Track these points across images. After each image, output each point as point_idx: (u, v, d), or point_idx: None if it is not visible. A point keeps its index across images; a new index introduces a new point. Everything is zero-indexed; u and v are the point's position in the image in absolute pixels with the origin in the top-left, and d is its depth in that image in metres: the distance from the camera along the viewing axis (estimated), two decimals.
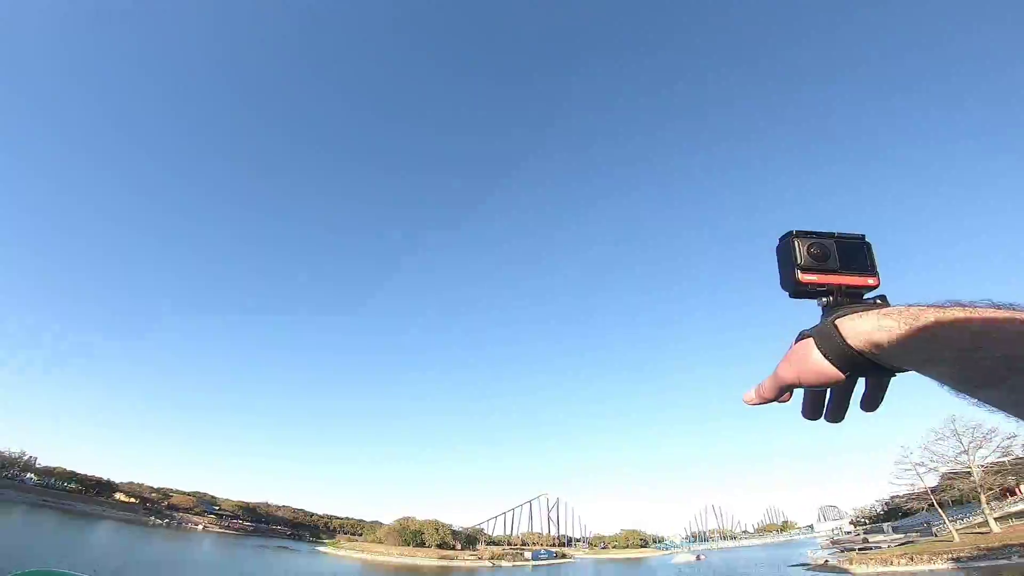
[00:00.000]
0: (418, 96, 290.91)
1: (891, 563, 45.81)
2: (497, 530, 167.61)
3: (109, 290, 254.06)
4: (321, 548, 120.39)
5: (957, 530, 50.94)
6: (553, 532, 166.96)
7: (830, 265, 0.86)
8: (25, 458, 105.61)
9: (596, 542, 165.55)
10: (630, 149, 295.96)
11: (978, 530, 49.83)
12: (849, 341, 0.72)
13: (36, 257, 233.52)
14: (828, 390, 0.85)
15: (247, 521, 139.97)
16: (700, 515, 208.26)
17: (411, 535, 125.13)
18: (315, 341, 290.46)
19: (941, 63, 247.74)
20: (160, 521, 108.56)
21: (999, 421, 45.57)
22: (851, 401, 0.86)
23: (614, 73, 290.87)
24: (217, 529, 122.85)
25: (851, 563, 51.43)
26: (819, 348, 0.76)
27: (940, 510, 55.54)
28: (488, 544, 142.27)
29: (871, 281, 0.86)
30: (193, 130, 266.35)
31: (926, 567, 41.36)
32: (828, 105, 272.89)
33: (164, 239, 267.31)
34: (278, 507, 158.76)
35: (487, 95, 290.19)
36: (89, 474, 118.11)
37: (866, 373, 0.78)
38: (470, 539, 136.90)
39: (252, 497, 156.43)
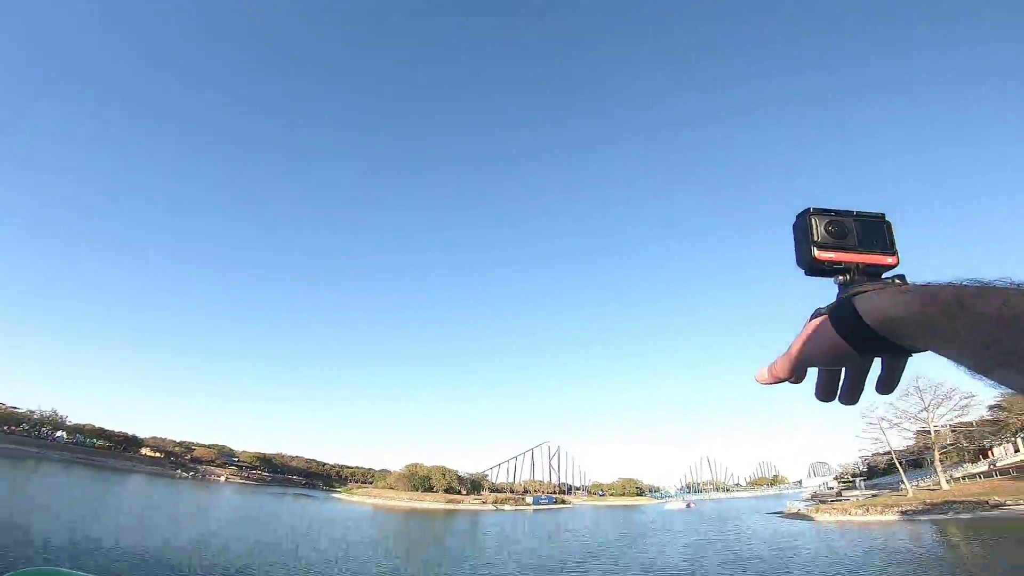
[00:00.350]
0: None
1: (848, 513, 51.10)
2: (500, 477, 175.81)
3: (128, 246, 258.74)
4: (336, 495, 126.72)
5: (914, 487, 55.54)
6: (554, 480, 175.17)
7: (848, 243, 0.85)
8: (57, 417, 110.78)
9: (595, 490, 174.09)
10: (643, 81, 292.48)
11: (933, 487, 54.23)
12: (865, 319, 0.70)
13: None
14: (843, 370, 0.82)
15: (265, 471, 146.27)
16: (695, 467, 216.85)
17: (420, 480, 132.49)
18: (313, 279, 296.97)
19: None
20: (186, 474, 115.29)
21: (959, 380, 48.26)
22: (866, 382, 0.83)
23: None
24: (238, 480, 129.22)
25: (816, 512, 57.00)
26: (834, 326, 0.74)
27: (899, 466, 59.77)
28: (491, 491, 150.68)
29: (890, 260, 0.84)
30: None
31: (877, 517, 46.62)
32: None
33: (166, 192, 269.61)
34: (292, 457, 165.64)
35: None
36: (116, 430, 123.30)
37: (882, 352, 0.75)
38: (475, 484, 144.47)
39: (267, 448, 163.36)
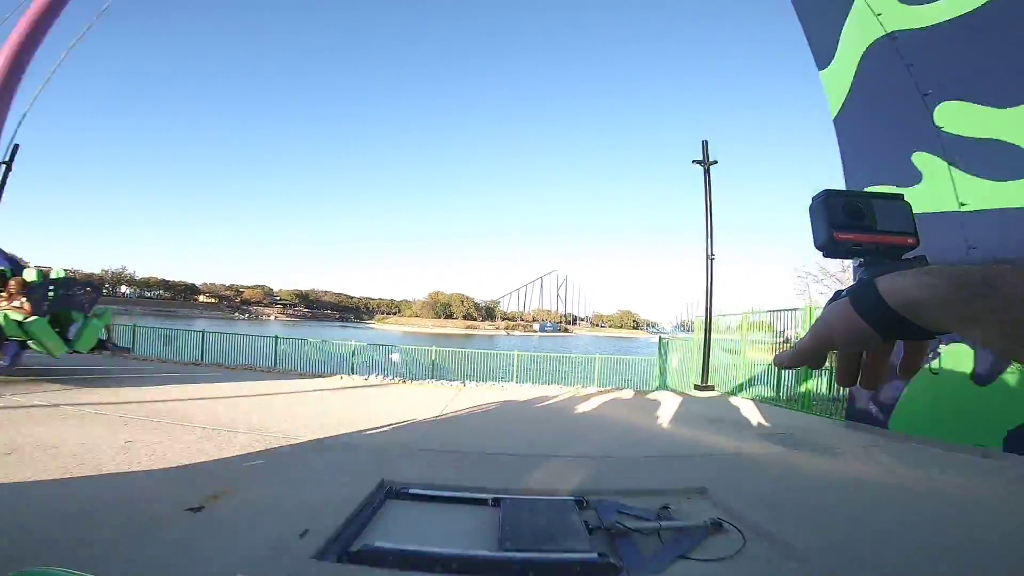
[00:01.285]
0: None
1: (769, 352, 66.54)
2: (512, 306, 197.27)
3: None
4: (369, 324, 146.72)
5: None
6: (560, 309, 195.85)
7: (866, 223, 0.83)
8: (126, 273, 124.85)
9: (596, 321, 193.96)
10: None
11: None
12: (887, 300, 0.67)
13: None
14: (864, 353, 0.79)
15: (304, 307, 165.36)
16: (691, 305, 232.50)
17: (441, 307, 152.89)
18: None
19: None
20: (241, 315, 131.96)
21: None
22: (888, 366, 0.80)
23: None
24: (284, 317, 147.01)
25: (751, 350, 72.76)
26: (855, 307, 0.70)
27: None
28: (503, 318, 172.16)
29: (910, 241, 0.82)
30: None
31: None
32: None
33: None
34: (323, 292, 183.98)
35: None
36: (176, 280, 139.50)
37: (904, 335, 0.71)
38: (489, 311, 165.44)
39: (301, 285, 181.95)
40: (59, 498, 3.25)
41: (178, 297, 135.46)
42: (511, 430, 7.27)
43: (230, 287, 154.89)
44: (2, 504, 3.19)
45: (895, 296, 0.67)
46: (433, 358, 15.60)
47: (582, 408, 9.45)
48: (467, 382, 12.78)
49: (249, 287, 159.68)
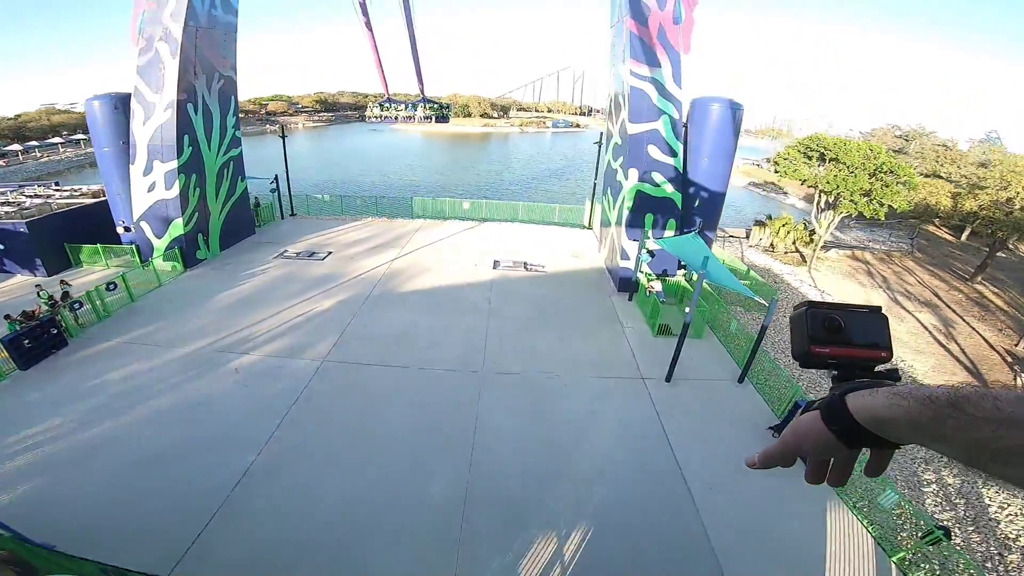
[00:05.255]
0: None
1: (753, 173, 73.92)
2: (527, 97, 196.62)
3: None
4: (393, 126, 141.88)
5: None
6: (576, 102, 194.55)
7: (843, 337, 0.89)
8: None
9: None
10: None
11: None
12: (856, 417, 0.75)
13: None
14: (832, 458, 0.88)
15: (325, 112, 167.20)
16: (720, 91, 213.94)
17: (460, 108, 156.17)
18: None
19: None
20: (272, 127, 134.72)
21: None
22: (853, 466, 0.89)
23: None
24: (311, 123, 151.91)
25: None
26: (825, 422, 0.80)
27: None
28: (518, 110, 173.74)
29: (883, 354, 0.89)
30: None
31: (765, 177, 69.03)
32: None
33: None
34: (339, 93, 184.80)
35: None
36: None
37: (871, 446, 0.79)
38: (504, 109, 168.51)
39: (314, 89, 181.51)
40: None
41: None
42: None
43: (250, 100, 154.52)
44: None
45: (865, 414, 0.75)
46: (467, 207, 28.36)
47: None
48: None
49: (268, 98, 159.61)
